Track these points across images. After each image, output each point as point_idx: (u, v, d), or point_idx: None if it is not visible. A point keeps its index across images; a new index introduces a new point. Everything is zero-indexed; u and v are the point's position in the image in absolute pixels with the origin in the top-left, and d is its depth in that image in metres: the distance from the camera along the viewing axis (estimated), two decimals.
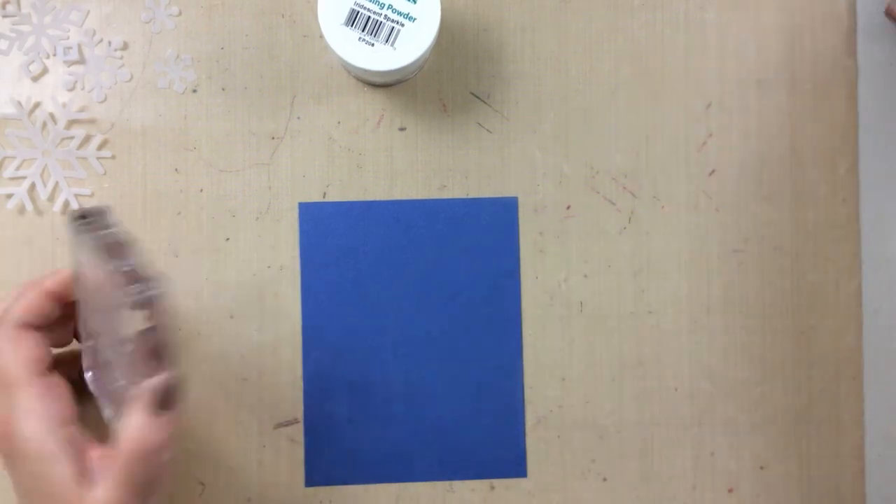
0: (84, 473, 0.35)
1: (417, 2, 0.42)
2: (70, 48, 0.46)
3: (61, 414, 0.36)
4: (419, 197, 0.47)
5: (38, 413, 0.36)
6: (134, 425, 0.35)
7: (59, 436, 0.35)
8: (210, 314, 0.47)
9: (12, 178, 0.46)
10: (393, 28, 0.42)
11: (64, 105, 0.46)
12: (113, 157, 0.47)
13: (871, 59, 0.49)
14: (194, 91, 0.47)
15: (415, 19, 0.42)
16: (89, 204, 0.43)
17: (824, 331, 0.49)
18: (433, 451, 0.47)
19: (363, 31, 0.42)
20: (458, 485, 0.47)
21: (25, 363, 0.36)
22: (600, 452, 0.48)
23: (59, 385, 0.37)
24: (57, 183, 0.46)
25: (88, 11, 0.47)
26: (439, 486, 0.47)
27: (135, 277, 0.35)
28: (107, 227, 0.36)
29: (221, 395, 0.47)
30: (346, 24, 0.41)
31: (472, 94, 0.48)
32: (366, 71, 0.42)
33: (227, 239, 0.47)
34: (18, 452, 0.36)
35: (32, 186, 0.46)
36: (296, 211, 0.47)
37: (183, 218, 0.47)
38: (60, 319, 0.39)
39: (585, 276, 0.48)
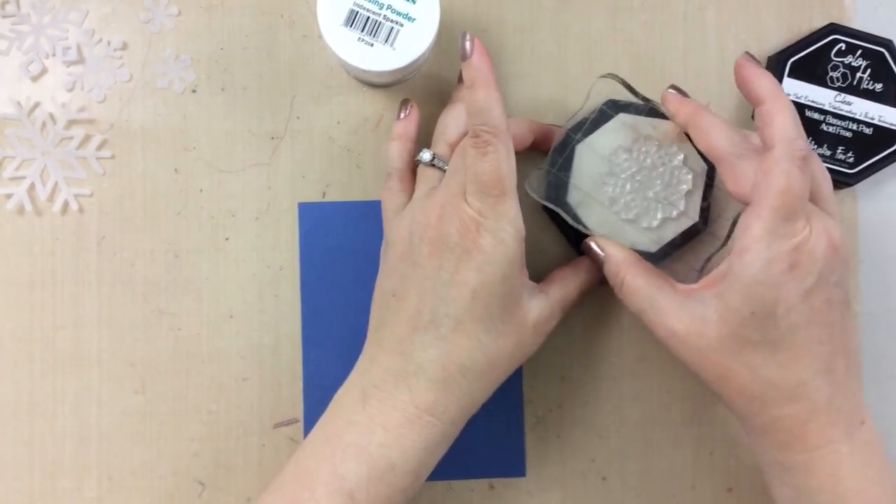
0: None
1: (417, 2, 0.42)
2: (69, 48, 0.46)
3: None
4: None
5: (518, 221, 0.39)
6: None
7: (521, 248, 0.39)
8: (210, 314, 0.47)
9: (12, 179, 0.46)
10: (392, 28, 0.42)
11: (63, 105, 0.46)
12: (112, 157, 0.47)
13: None
14: (194, 91, 0.47)
15: (414, 19, 0.42)
16: None
17: None
18: None
19: (362, 31, 0.42)
20: (458, 484, 0.47)
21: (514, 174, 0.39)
22: (600, 452, 0.48)
23: None
24: (56, 183, 0.46)
25: (88, 11, 0.47)
26: (438, 486, 0.47)
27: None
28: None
29: (222, 395, 0.47)
30: (346, 24, 0.41)
31: None
32: (365, 71, 0.42)
33: (227, 239, 0.47)
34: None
35: (32, 186, 0.46)
36: (295, 211, 0.47)
37: (183, 218, 0.47)
38: None
39: None
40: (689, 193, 0.44)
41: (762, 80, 0.39)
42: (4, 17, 0.46)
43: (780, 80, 0.47)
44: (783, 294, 0.36)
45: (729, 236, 0.43)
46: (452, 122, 0.43)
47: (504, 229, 0.38)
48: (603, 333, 0.48)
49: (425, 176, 0.43)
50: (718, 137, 0.40)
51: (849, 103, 0.48)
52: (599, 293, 0.48)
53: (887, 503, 0.38)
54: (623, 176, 0.44)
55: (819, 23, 0.49)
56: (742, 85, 0.40)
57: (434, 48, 0.45)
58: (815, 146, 0.48)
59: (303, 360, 0.47)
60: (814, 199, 0.39)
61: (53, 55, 0.46)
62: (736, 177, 0.39)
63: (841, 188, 0.49)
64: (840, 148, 0.48)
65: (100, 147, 0.47)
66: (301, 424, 0.47)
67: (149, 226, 0.47)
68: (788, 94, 0.47)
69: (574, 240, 0.47)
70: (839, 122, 0.48)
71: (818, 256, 0.37)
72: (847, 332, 0.39)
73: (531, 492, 0.48)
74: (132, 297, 0.47)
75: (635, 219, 0.44)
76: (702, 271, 0.44)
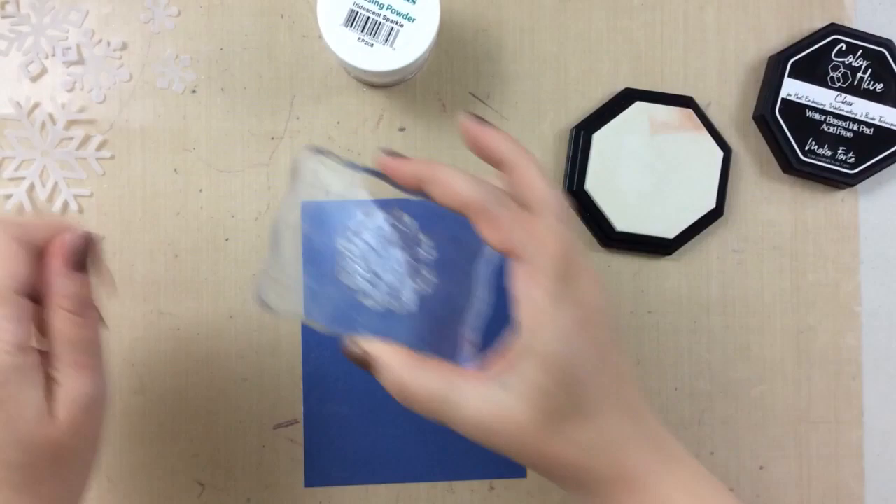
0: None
1: (417, 2, 0.42)
2: (69, 49, 0.46)
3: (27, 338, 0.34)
4: (419, 197, 0.47)
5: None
6: None
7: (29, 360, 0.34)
8: (210, 314, 0.47)
9: (11, 179, 0.46)
10: (392, 28, 0.41)
11: (63, 105, 0.46)
12: (112, 158, 0.47)
13: None
14: (193, 91, 0.47)
15: (414, 19, 0.42)
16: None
17: (824, 331, 0.49)
18: (433, 451, 0.47)
19: (362, 31, 0.41)
20: (458, 485, 0.47)
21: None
22: None
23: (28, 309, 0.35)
24: (56, 183, 0.46)
25: (87, 12, 0.47)
26: (439, 487, 0.47)
27: None
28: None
29: (221, 395, 0.47)
30: (346, 24, 0.41)
31: (472, 94, 0.48)
32: (365, 71, 0.42)
33: (227, 239, 0.47)
34: None
35: (31, 187, 0.46)
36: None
37: (182, 218, 0.47)
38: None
39: None
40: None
41: (506, 143, 0.36)
42: (4, 17, 0.46)
43: (781, 80, 0.47)
44: (582, 356, 0.34)
45: (479, 294, 0.38)
46: None
47: None
48: None
49: None
50: (467, 186, 0.35)
51: (849, 103, 0.47)
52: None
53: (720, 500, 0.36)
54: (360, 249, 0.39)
55: (819, 23, 0.48)
56: (478, 150, 0.36)
57: (434, 48, 0.45)
58: (817, 146, 0.47)
59: (303, 360, 0.47)
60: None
61: (53, 55, 0.46)
62: (497, 227, 0.35)
63: (842, 188, 0.49)
64: (841, 148, 0.48)
65: (99, 147, 0.47)
66: (301, 425, 0.47)
67: (148, 226, 0.47)
68: (789, 95, 0.47)
69: (599, 232, 0.47)
70: (840, 123, 0.48)
71: (599, 304, 0.35)
72: (623, 358, 0.36)
73: (531, 493, 0.47)
74: (132, 297, 0.47)
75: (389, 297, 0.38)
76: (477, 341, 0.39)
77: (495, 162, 0.36)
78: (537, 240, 0.34)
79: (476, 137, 0.36)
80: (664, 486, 0.36)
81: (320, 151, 0.38)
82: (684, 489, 0.36)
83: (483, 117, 0.37)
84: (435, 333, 0.39)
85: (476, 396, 0.34)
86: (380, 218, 0.39)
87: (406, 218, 0.39)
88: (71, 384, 0.34)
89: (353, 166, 0.39)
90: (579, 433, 0.35)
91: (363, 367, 0.37)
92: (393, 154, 0.37)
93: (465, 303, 0.38)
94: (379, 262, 0.39)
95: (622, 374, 0.36)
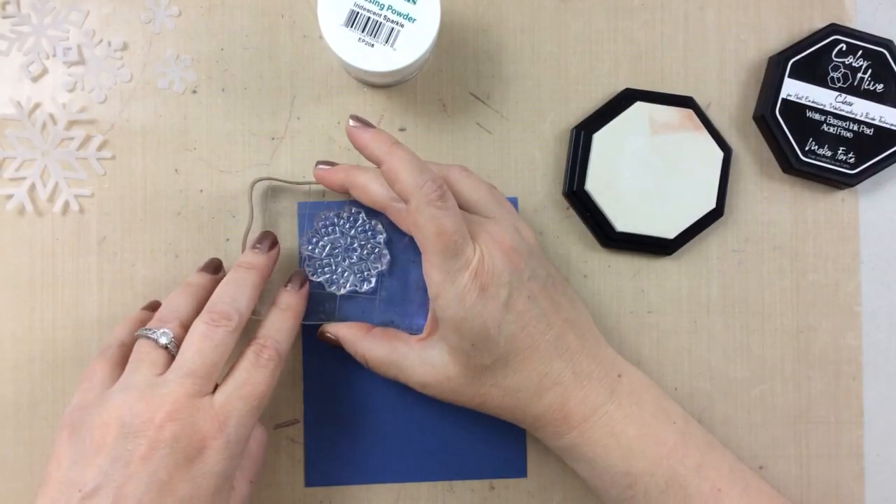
0: None
1: (417, 2, 0.42)
2: (70, 49, 0.46)
3: None
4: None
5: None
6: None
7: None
8: None
9: (12, 179, 0.46)
10: (393, 29, 0.42)
11: (64, 106, 0.46)
12: (113, 158, 0.47)
13: None
14: (194, 91, 0.47)
15: (414, 20, 0.42)
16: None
17: (824, 331, 0.49)
18: (433, 451, 0.47)
19: (363, 31, 0.42)
20: (458, 485, 0.47)
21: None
22: None
23: None
24: (57, 183, 0.46)
25: (88, 12, 0.47)
26: (439, 486, 0.47)
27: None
28: None
29: None
30: (346, 24, 0.42)
31: (472, 94, 0.48)
32: (365, 72, 0.42)
33: (227, 239, 0.47)
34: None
35: (32, 187, 0.46)
36: (295, 211, 0.47)
37: (183, 218, 0.47)
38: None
39: (585, 276, 0.48)
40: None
41: (374, 142, 0.40)
42: (5, 17, 0.46)
43: (781, 80, 0.47)
44: (487, 317, 0.39)
45: None
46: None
47: None
48: (603, 333, 0.48)
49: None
50: (376, 189, 0.42)
51: (850, 104, 0.48)
52: (600, 293, 0.48)
53: (672, 433, 0.41)
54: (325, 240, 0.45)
55: (819, 23, 0.49)
56: (360, 151, 0.40)
57: (434, 48, 0.45)
58: (817, 146, 0.47)
59: (303, 360, 0.47)
60: (475, 210, 0.42)
61: (54, 56, 0.47)
62: (402, 220, 0.42)
63: (842, 189, 0.49)
64: (841, 148, 0.48)
65: (100, 147, 0.47)
66: (301, 424, 0.47)
67: (149, 226, 0.47)
68: (789, 95, 0.47)
69: (599, 232, 0.47)
70: (840, 123, 0.48)
71: (499, 269, 0.39)
72: (563, 308, 0.41)
73: (532, 492, 0.48)
74: (132, 297, 0.47)
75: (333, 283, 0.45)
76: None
77: (371, 160, 0.40)
78: (417, 227, 0.39)
79: (352, 139, 0.40)
80: (610, 419, 0.41)
81: (269, 178, 0.46)
82: (634, 421, 0.41)
83: (364, 119, 0.41)
84: (405, 306, 0.45)
85: (415, 359, 0.42)
86: (336, 219, 0.45)
87: (362, 214, 0.45)
88: (241, 490, 0.40)
89: (298, 183, 0.46)
90: (503, 379, 0.41)
91: (336, 346, 0.44)
92: (325, 164, 0.44)
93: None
94: (340, 257, 0.45)
95: (545, 315, 0.40)
